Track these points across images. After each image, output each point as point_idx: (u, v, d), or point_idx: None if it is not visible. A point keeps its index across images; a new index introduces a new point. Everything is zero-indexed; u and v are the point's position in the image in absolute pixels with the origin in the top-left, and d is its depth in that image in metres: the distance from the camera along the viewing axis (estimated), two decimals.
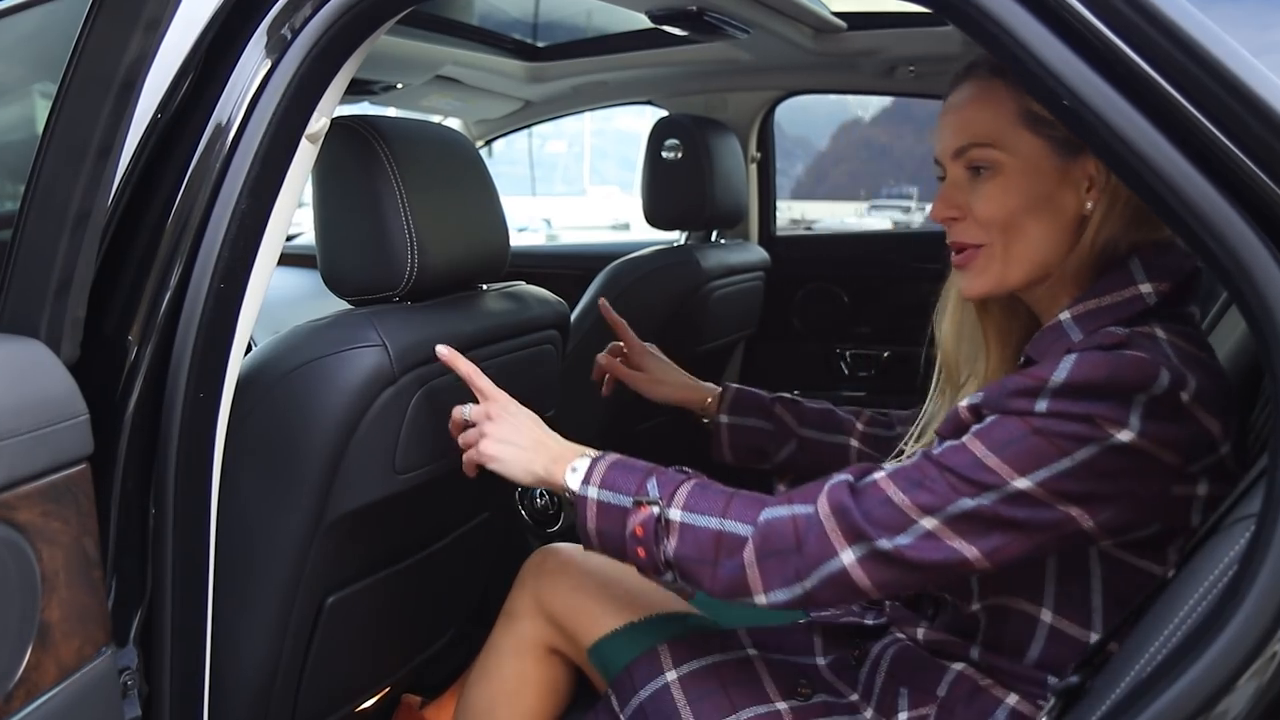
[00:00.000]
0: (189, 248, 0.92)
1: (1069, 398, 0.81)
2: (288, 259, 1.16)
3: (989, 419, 0.85)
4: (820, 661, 1.06)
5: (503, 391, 1.03)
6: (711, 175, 1.94)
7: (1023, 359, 0.94)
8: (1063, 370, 0.81)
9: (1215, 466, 0.83)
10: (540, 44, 2.14)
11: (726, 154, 2.00)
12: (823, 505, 0.86)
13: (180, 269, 0.91)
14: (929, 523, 0.82)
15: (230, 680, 1.03)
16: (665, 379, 1.32)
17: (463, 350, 1.13)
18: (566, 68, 2.17)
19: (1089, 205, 0.91)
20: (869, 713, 0.99)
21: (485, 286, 1.26)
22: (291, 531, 1.02)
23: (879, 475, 0.87)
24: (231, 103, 0.92)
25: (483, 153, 2.14)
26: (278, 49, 0.93)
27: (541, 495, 1.84)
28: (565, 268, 2.43)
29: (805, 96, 2.39)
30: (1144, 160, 0.70)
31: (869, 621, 1.08)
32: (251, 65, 0.93)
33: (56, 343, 0.81)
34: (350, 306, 1.12)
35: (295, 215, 1.03)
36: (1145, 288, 0.88)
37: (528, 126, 2.63)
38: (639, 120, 3.04)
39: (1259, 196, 0.67)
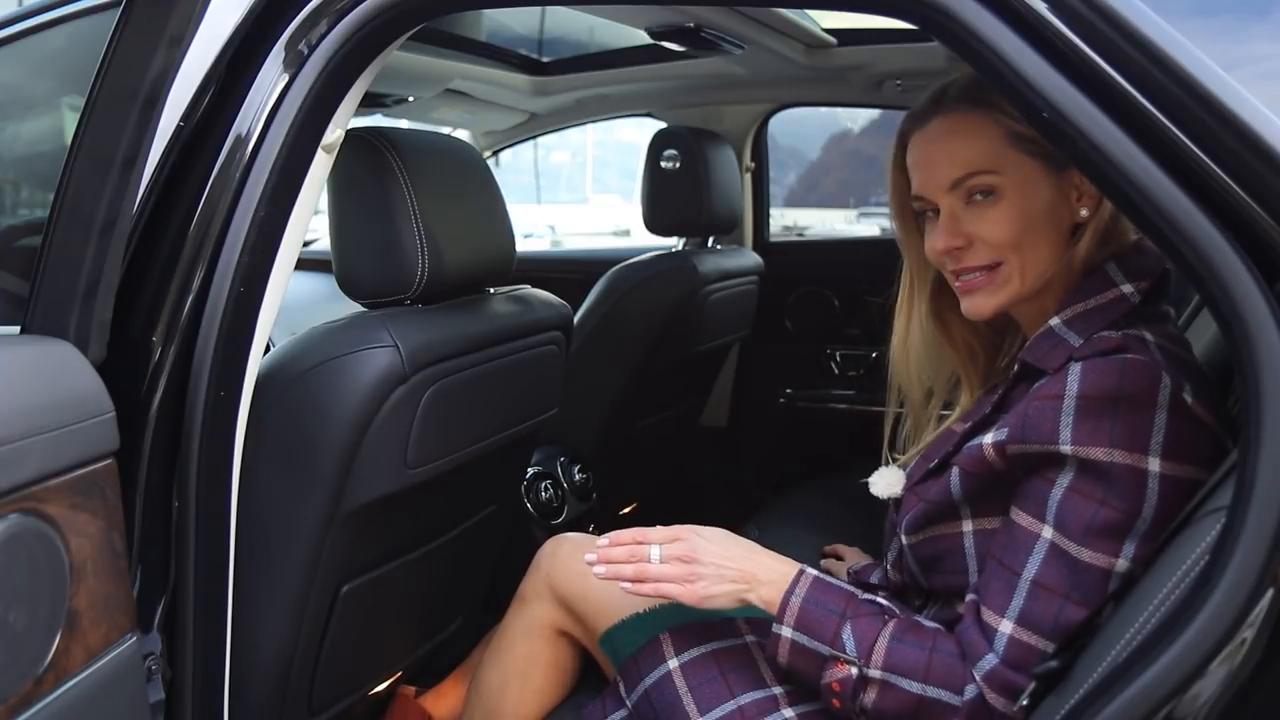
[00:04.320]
0: (210, 253, 0.93)
1: (1088, 416, 0.84)
2: (304, 264, 1.17)
3: (1053, 495, 0.86)
4: None
5: (681, 526, 1.01)
6: (708, 184, 1.97)
7: (1017, 366, 0.97)
8: (1072, 383, 0.85)
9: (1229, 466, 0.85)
10: (545, 59, 2.16)
11: (722, 164, 2.02)
12: (994, 697, 0.87)
13: (202, 273, 0.93)
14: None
15: (249, 665, 1.04)
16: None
17: (471, 350, 1.16)
18: (570, 81, 2.19)
19: (1082, 213, 0.94)
20: None
21: (492, 290, 1.28)
22: (308, 523, 1.04)
23: (1008, 629, 0.87)
24: (251, 115, 0.94)
25: (490, 163, 2.16)
26: (295, 64, 0.95)
27: (546, 489, 1.86)
28: (569, 272, 2.44)
29: (797, 109, 2.42)
30: (1120, 170, 0.73)
31: None
32: (270, 79, 0.95)
33: (84, 343, 0.83)
34: (364, 309, 1.14)
35: (312, 222, 1.05)
36: (1127, 288, 0.92)
37: (533, 137, 2.64)
38: (639, 132, 3.05)
39: (1231, 205, 0.70)
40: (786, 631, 0.95)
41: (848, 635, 0.92)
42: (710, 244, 2.23)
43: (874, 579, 1.15)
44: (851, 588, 0.98)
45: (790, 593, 0.95)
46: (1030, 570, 0.87)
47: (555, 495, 1.88)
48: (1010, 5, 0.75)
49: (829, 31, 1.85)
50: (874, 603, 0.96)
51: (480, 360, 1.17)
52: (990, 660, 0.88)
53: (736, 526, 1.73)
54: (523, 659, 1.18)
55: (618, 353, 1.91)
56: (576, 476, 1.95)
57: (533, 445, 1.47)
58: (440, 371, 1.11)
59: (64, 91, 1.18)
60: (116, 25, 0.79)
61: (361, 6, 0.95)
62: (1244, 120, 0.69)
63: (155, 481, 0.91)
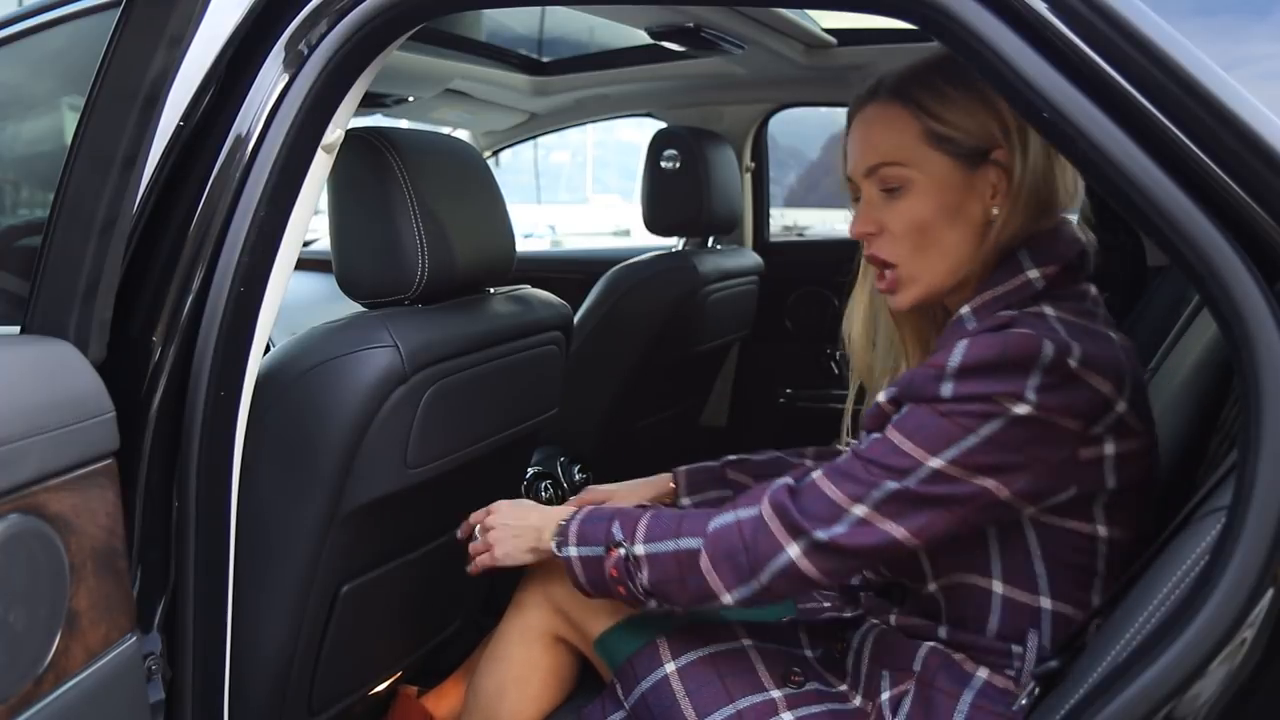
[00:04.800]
0: (210, 253, 0.93)
1: (967, 378, 0.87)
2: (304, 264, 1.17)
3: (904, 409, 0.91)
4: (809, 654, 1.09)
5: (497, 503, 1.13)
6: (708, 184, 1.97)
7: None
8: (957, 355, 0.88)
9: (1116, 425, 0.89)
10: (545, 59, 2.17)
11: (722, 164, 2.02)
12: (765, 507, 0.94)
13: (202, 273, 0.93)
14: (859, 510, 0.89)
15: (249, 665, 1.04)
16: (623, 495, 1.31)
17: (471, 350, 1.16)
18: (570, 81, 2.19)
19: (994, 210, 0.96)
20: (857, 699, 1.01)
21: (492, 290, 1.28)
22: (307, 523, 1.04)
23: (815, 475, 0.93)
24: (251, 115, 0.94)
25: (490, 163, 2.17)
26: (295, 64, 0.95)
27: (546, 489, 1.86)
28: (569, 272, 2.45)
29: (797, 109, 2.42)
30: (1120, 170, 0.73)
31: (848, 614, 1.13)
32: (270, 79, 0.95)
33: (84, 343, 0.83)
34: (364, 309, 1.15)
35: (312, 222, 1.05)
36: (1033, 274, 0.94)
37: (533, 137, 2.65)
38: (639, 131, 3.05)
39: (1231, 205, 0.70)
40: (572, 551, 1.03)
41: (616, 528, 1.01)
42: (710, 244, 2.24)
43: (854, 581, 1.15)
44: (618, 508, 1.05)
45: (570, 521, 1.04)
46: (860, 446, 0.93)
47: (555, 495, 1.88)
48: (1010, 5, 0.75)
49: (829, 31, 1.86)
50: (643, 507, 1.04)
51: (480, 360, 1.18)
52: (781, 483, 0.94)
53: None
54: (520, 665, 1.18)
55: (618, 353, 1.91)
56: (576, 476, 1.95)
57: (533, 445, 1.47)
58: (440, 371, 1.11)
59: (64, 91, 1.18)
60: (116, 25, 0.79)
61: (361, 6, 0.95)
62: (1244, 120, 0.69)
63: (155, 481, 0.91)
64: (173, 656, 0.94)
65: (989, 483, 0.87)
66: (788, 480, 0.95)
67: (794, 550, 0.91)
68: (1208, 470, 0.90)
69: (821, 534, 0.90)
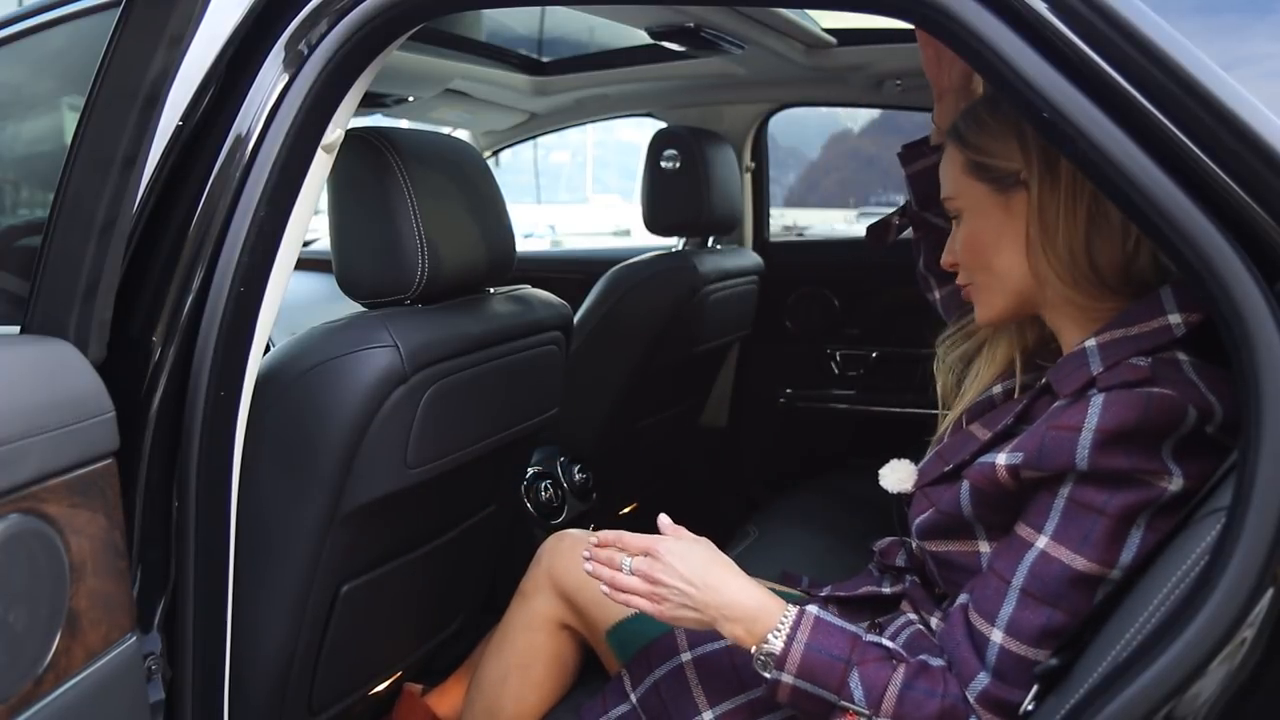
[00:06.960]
0: (210, 253, 0.94)
1: (1105, 449, 0.82)
2: (304, 264, 1.18)
3: (1054, 508, 0.85)
4: None
5: (658, 539, 0.99)
6: (708, 184, 1.97)
7: (1044, 381, 0.95)
8: (1093, 416, 0.82)
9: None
10: (545, 59, 2.17)
11: (722, 164, 2.02)
12: (986, 712, 0.87)
13: (202, 273, 0.93)
14: (1052, 659, 0.85)
15: (249, 665, 1.05)
16: (954, 68, 1.23)
17: (470, 350, 1.16)
18: (570, 81, 2.19)
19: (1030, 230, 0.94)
20: None
21: (492, 289, 1.28)
22: (307, 523, 1.04)
23: (998, 639, 0.87)
24: (251, 115, 0.94)
25: (490, 163, 2.17)
26: (295, 64, 0.95)
27: (546, 489, 1.87)
28: (569, 272, 2.45)
29: (797, 109, 2.42)
30: (1120, 170, 0.73)
31: (886, 590, 1.10)
32: (270, 79, 0.95)
33: (84, 343, 0.83)
34: (364, 309, 1.15)
35: (312, 222, 1.05)
36: (1174, 318, 0.86)
37: (533, 137, 2.64)
38: (639, 131, 3.04)
39: (1231, 205, 0.70)
40: (788, 679, 0.92)
41: (855, 684, 0.90)
42: (710, 244, 2.24)
43: (900, 561, 1.13)
44: (855, 629, 0.95)
45: (791, 639, 0.92)
46: (1020, 578, 0.87)
47: (555, 495, 1.88)
48: (1010, 5, 0.75)
49: (829, 31, 1.85)
50: (880, 646, 0.93)
51: (480, 360, 1.18)
52: (982, 681, 0.88)
53: (736, 527, 1.73)
54: (523, 652, 1.19)
55: (618, 352, 1.91)
56: (576, 476, 1.95)
57: (533, 445, 1.47)
58: (440, 371, 1.11)
59: (64, 91, 1.19)
60: (116, 25, 0.79)
61: (361, 6, 0.95)
62: (1244, 120, 0.69)
63: (155, 481, 0.91)
64: (173, 656, 0.94)
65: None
66: (984, 678, 0.87)
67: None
68: None
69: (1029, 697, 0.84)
